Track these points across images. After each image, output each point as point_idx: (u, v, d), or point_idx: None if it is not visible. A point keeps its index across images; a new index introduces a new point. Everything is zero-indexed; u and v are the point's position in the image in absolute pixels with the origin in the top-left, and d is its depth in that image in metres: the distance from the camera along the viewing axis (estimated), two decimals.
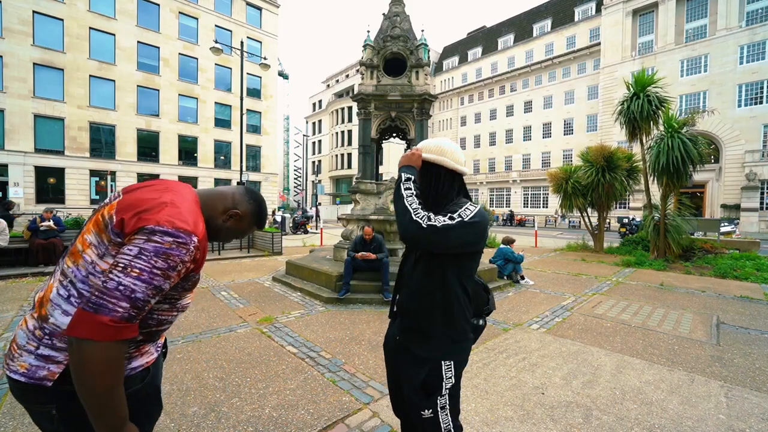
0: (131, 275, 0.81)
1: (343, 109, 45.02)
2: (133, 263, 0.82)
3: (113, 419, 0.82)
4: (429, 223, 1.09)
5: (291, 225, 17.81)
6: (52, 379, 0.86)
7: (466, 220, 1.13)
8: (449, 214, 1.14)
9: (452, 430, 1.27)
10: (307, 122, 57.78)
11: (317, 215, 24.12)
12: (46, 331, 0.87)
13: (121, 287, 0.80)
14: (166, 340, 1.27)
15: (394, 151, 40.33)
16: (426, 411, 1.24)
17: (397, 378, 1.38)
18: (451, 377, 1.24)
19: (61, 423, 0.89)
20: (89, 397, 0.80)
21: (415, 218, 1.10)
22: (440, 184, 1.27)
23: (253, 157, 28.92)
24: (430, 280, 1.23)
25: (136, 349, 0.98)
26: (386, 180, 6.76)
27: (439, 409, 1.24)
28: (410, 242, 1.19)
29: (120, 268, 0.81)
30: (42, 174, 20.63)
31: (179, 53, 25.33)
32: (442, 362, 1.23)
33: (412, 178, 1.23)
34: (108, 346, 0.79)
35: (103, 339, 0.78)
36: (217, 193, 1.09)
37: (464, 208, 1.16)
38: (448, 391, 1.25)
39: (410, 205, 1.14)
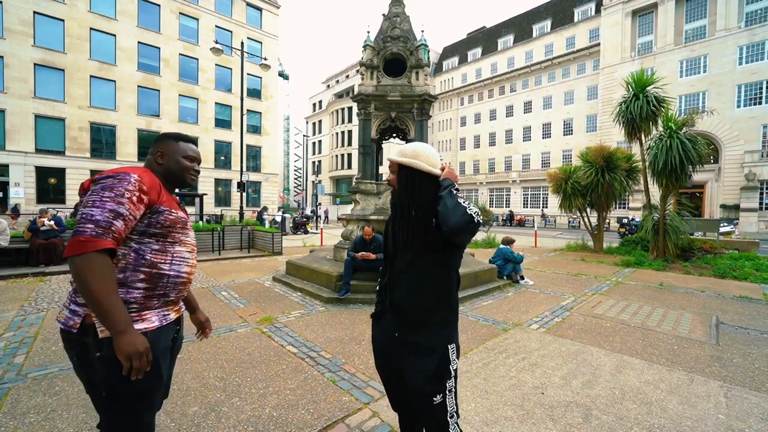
0: (88, 206, 1.09)
1: (343, 109, 45.03)
2: (88, 199, 1.11)
3: (116, 319, 1.05)
4: (477, 218, 1.21)
5: (291, 225, 17.82)
6: (75, 328, 1.12)
7: None
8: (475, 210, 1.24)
9: (456, 413, 1.33)
10: (307, 122, 57.80)
11: (325, 216, 24.12)
12: (73, 288, 1.18)
13: (84, 216, 1.08)
14: (181, 319, 1.40)
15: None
16: (437, 396, 1.29)
17: (396, 373, 1.41)
18: (455, 359, 1.34)
19: (80, 367, 1.15)
20: (89, 301, 1.05)
21: (469, 212, 1.20)
22: (416, 186, 1.32)
23: (254, 157, 28.92)
24: (434, 274, 1.31)
25: (137, 314, 1.17)
26: (386, 180, 6.76)
27: (447, 392, 1.31)
28: (458, 233, 1.22)
29: (82, 207, 1.11)
30: (43, 174, 20.64)
31: (180, 54, 25.34)
32: (448, 346, 1.33)
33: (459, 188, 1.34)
34: (89, 257, 1.04)
35: (82, 251, 1.04)
36: (148, 159, 1.35)
37: (469, 204, 1.26)
38: (454, 372, 1.33)
39: (463, 201, 1.24)
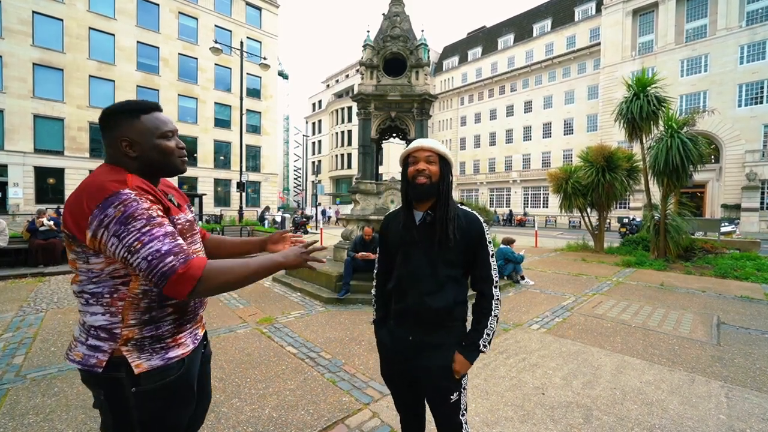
0: (140, 249, 0.86)
1: (342, 109, 45.01)
2: (127, 243, 0.87)
3: (271, 268, 1.02)
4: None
5: (291, 225, 17.81)
6: (101, 367, 0.94)
7: None
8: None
9: (465, 410, 1.35)
10: (306, 122, 57.78)
11: (336, 216, 23.91)
12: (88, 326, 0.98)
13: (150, 258, 0.86)
14: (206, 333, 1.29)
15: (394, 151, 40.30)
16: (454, 395, 1.30)
17: (403, 375, 1.39)
18: None
19: (108, 407, 0.97)
20: (245, 280, 0.97)
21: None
22: (450, 179, 1.34)
23: (253, 157, 28.92)
24: (452, 277, 1.30)
25: (172, 339, 1.04)
26: (386, 180, 6.75)
27: (462, 390, 1.33)
28: None
29: (132, 256, 0.87)
30: (42, 174, 20.62)
31: (179, 53, 25.32)
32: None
33: None
34: (206, 278, 0.89)
35: (195, 281, 0.87)
36: (109, 153, 1.02)
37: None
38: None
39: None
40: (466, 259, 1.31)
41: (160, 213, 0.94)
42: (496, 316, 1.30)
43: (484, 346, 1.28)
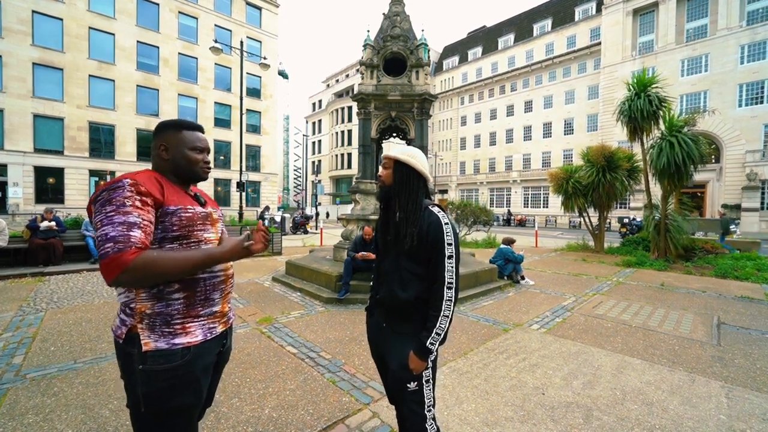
0: (98, 228, 1.03)
1: (343, 108, 45.00)
2: (95, 221, 1.05)
3: (211, 261, 1.12)
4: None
5: (291, 225, 17.80)
6: (122, 338, 1.09)
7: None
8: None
9: (433, 405, 1.39)
10: (307, 122, 57.76)
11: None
12: (120, 303, 1.15)
13: (99, 239, 1.01)
14: (230, 331, 1.33)
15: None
16: (411, 384, 1.34)
17: (384, 363, 1.47)
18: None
19: (124, 376, 1.12)
20: (178, 277, 1.08)
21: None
22: (411, 182, 1.40)
23: (253, 157, 28.91)
24: (414, 277, 1.36)
25: (181, 325, 1.12)
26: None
27: (424, 382, 1.36)
28: None
29: (94, 231, 1.06)
30: (41, 174, 20.61)
31: (179, 53, 25.31)
32: None
33: None
34: (131, 269, 0.98)
35: (120, 269, 0.97)
36: (152, 157, 1.24)
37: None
38: (431, 363, 1.38)
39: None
40: (426, 259, 1.34)
41: (138, 204, 1.05)
42: (446, 316, 1.30)
43: (431, 344, 1.30)
